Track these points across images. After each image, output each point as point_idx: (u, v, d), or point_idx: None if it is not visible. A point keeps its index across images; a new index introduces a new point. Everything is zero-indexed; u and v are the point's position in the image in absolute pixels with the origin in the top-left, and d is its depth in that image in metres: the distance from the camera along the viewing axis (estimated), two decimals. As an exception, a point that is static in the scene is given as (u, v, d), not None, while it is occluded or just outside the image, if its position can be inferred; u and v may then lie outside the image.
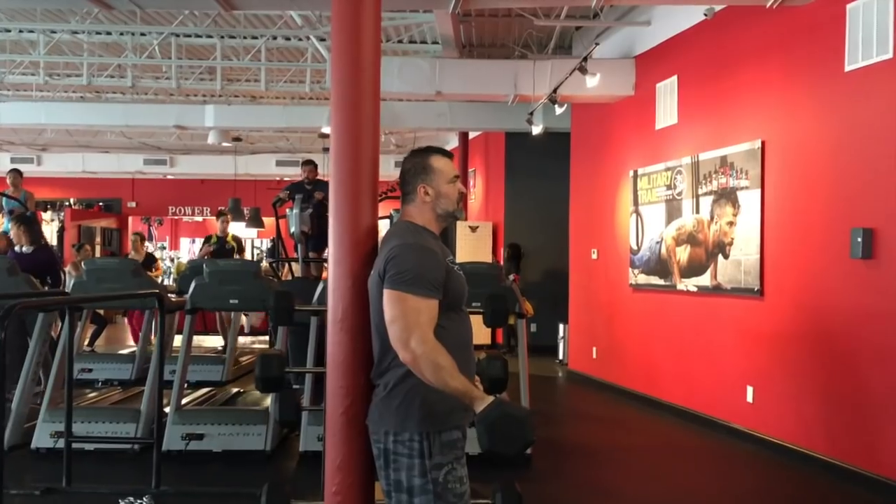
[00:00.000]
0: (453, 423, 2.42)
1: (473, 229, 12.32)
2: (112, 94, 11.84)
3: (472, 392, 2.24)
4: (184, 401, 7.23)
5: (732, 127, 6.44)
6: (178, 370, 5.65)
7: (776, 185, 5.92)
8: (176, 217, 22.15)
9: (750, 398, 6.12)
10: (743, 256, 6.23)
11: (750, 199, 6.14)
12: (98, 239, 17.64)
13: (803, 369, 5.62)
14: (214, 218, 11.53)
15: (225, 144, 13.20)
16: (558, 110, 7.35)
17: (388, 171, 15.28)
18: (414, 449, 2.35)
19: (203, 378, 8.21)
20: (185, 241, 25.41)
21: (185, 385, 8.11)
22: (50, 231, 17.73)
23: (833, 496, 4.98)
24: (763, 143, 6.03)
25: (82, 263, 5.73)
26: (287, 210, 8.39)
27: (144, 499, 4.38)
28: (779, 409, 5.86)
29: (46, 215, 18.16)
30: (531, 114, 8.32)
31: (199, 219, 20.69)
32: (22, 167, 16.39)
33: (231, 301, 5.79)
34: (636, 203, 8.00)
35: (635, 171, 8.00)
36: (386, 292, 2.31)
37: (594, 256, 9.01)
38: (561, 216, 9.97)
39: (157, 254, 22.84)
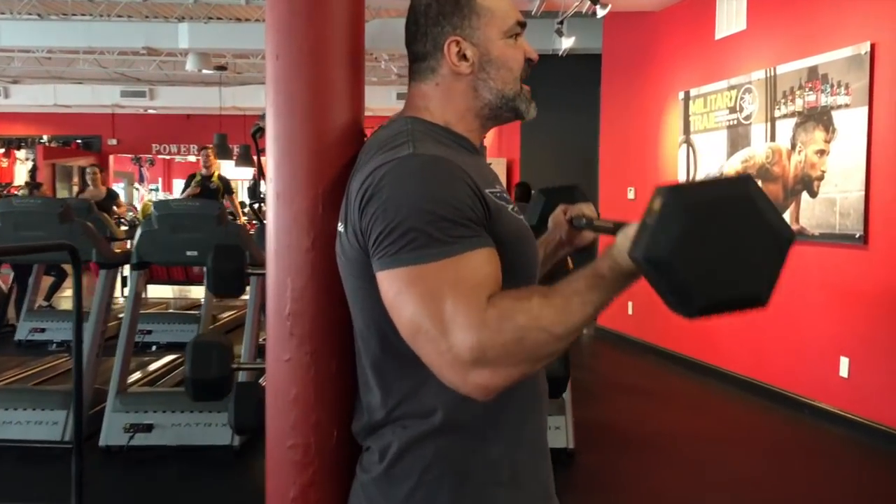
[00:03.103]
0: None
1: (485, 166, 11.01)
2: (79, 17, 10.37)
3: (597, 272, 1.06)
4: (151, 367, 6.08)
5: (826, 28, 5.05)
6: (120, 340, 4.39)
7: (889, 102, 4.57)
8: (166, 157, 20.73)
9: (844, 372, 4.88)
10: (839, 194, 4.91)
11: (851, 121, 4.80)
12: (76, 179, 16.27)
13: (922, 338, 4.38)
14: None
15: (206, 72, 11.71)
16: (600, 12, 5.94)
17: (391, 103, 13.66)
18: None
19: (174, 339, 7.01)
20: (178, 183, 24.00)
21: (154, 347, 7.07)
22: (24, 171, 16.40)
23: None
24: (872, 47, 4.65)
25: (-5, 206, 4.43)
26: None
27: (55, 527, 3.18)
28: (882, 385, 4.63)
29: (20, 154, 16.80)
30: (560, 23, 6.91)
31: (193, 158, 19.25)
32: (-12, 100, 15.11)
33: (188, 253, 4.52)
34: (687, 131, 6.65)
35: (686, 93, 6.63)
36: (381, 276, 1.03)
37: (631, 196, 7.69)
38: (586, 151, 8.63)
39: (148, 196, 21.59)
